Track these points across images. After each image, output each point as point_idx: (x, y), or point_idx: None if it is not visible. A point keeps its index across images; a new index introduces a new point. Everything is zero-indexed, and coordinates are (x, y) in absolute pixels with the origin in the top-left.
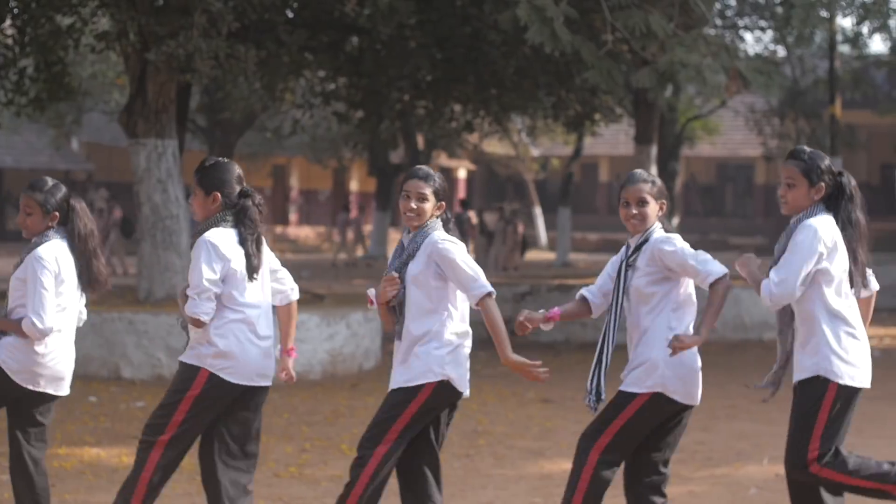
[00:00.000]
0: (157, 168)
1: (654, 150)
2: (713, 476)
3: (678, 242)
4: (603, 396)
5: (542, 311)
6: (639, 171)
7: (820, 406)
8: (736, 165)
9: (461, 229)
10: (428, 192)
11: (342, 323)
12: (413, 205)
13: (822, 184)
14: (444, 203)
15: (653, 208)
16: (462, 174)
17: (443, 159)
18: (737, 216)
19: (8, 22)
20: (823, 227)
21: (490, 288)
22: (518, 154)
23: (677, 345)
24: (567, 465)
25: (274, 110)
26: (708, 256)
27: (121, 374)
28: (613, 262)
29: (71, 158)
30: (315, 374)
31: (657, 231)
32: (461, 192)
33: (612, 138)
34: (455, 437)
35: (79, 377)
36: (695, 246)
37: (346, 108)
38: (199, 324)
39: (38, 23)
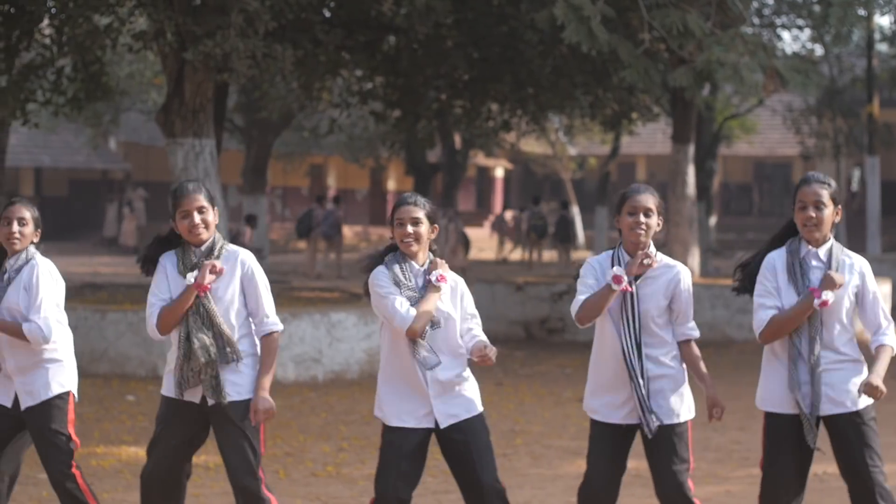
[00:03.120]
0: (195, 167)
1: (691, 150)
2: (750, 476)
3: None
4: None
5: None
6: (640, 184)
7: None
8: (773, 164)
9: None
10: (421, 215)
11: (379, 322)
12: (409, 229)
13: (839, 207)
14: (437, 226)
15: (653, 221)
16: (499, 173)
17: (480, 158)
18: (774, 215)
19: (46, 21)
20: None
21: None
22: (555, 153)
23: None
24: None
25: (311, 109)
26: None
27: (158, 374)
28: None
29: (108, 158)
30: (352, 374)
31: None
32: (499, 192)
33: (650, 137)
34: (492, 437)
35: (117, 376)
36: (732, 245)
37: (382, 108)
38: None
39: (75, 22)
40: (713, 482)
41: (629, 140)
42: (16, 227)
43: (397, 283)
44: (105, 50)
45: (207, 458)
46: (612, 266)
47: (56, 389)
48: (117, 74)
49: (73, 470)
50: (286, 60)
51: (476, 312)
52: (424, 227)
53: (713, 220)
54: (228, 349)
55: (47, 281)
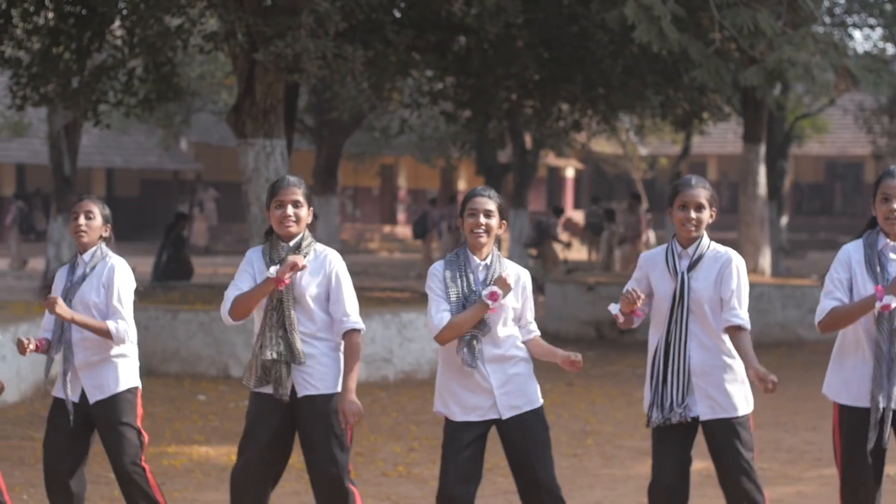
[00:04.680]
0: (266, 168)
1: (762, 149)
2: (822, 476)
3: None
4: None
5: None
6: (694, 176)
7: None
8: (845, 164)
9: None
10: (493, 207)
11: None
12: (481, 220)
13: None
14: (505, 221)
15: (706, 216)
16: (570, 173)
17: (551, 158)
18: (846, 215)
19: (117, 23)
20: None
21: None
22: (626, 153)
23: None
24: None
25: (382, 110)
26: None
27: (230, 373)
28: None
29: (180, 158)
30: (423, 374)
31: (713, 243)
32: (570, 192)
33: (721, 137)
34: (563, 437)
35: (188, 376)
36: (803, 245)
37: (453, 108)
38: None
39: (146, 24)
40: (785, 483)
41: (700, 140)
42: (82, 220)
43: (454, 281)
44: (176, 51)
45: None
46: (666, 259)
47: (125, 384)
48: (188, 75)
49: (143, 463)
50: (357, 61)
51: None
52: (495, 220)
53: (784, 220)
54: (295, 350)
55: (126, 281)
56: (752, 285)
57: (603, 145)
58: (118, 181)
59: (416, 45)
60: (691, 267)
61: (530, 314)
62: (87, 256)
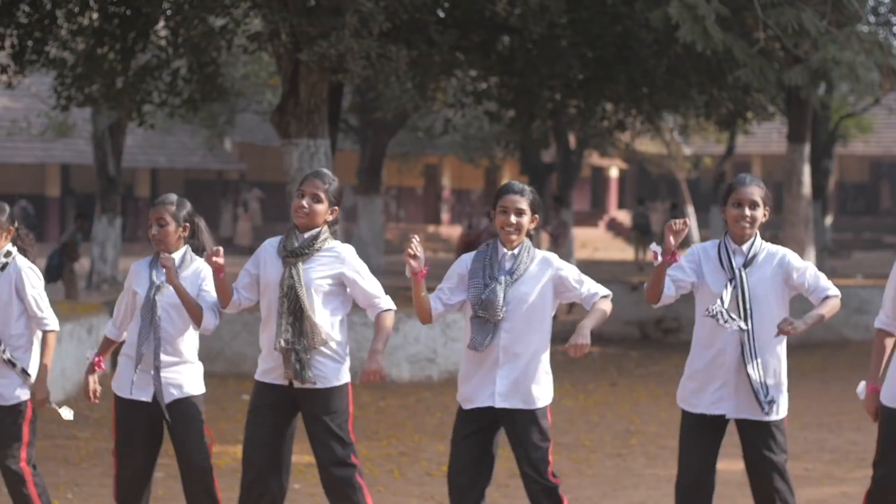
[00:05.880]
0: (310, 168)
1: (807, 149)
2: (867, 477)
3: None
4: None
5: None
6: (747, 175)
7: None
8: (890, 163)
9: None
10: (525, 206)
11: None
12: (512, 219)
13: None
14: (537, 216)
15: (759, 213)
16: (614, 173)
17: (594, 158)
18: (892, 215)
19: (161, 23)
20: None
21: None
22: (670, 153)
23: (790, 329)
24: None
25: (426, 110)
26: None
27: None
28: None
29: (224, 158)
30: None
31: (764, 242)
32: (613, 192)
33: (765, 137)
34: (607, 437)
35: (233, 376)
36: (848, 245)
37: (497, 108)
38: None
39: (190, 24)
40: (829, 483)
41: (744, 139)
42: (155, 229)
43: (475, 274)
44: (220, 51)
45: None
46: (719, 254)
47: (200, 388)
48: (232, 75)
49: (211, 461)
50: (400, 61)
51: (581, 279)
52: (526, 218)
53: (829, 220)
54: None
55: (210, 282)
56: None
57: (647, 145)
58: (162, 181)
59: (460, 45)
60: (747, 264)
61: (581, 285)
62: (176, 256)
